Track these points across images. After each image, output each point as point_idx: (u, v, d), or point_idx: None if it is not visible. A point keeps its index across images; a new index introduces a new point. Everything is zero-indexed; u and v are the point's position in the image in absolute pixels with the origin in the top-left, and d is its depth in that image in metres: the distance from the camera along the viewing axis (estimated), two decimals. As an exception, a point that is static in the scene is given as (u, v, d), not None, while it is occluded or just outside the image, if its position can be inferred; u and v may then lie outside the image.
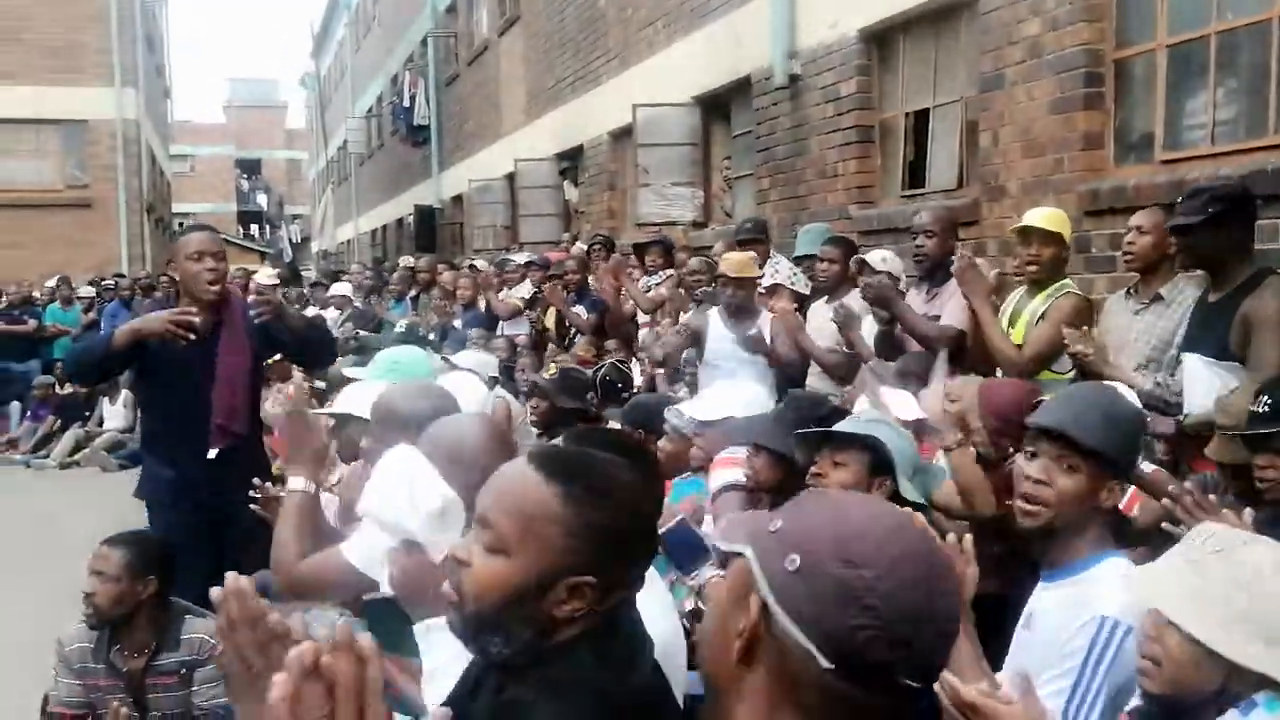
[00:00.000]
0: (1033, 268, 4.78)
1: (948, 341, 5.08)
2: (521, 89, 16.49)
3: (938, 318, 5.29)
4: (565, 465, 1.65)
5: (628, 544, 1.65)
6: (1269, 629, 2.01)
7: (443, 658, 1.97)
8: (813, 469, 3.32)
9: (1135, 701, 2.25)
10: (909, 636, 1.25)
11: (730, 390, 4.48)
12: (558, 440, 1.78)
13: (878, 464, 3.25)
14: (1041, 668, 2.37)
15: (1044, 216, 4.84)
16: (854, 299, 5.83)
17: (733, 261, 6.27)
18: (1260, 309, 3.86)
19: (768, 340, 6.04)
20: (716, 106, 10.83)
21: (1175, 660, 2.07)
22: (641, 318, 8.17)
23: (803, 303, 6.54)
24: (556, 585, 1.60)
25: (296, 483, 3.06)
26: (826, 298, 6.28)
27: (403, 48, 25.21)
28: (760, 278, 6.48)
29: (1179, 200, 4.22)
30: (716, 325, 6.22)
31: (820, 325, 6.09)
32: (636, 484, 1.66)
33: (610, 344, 7.80)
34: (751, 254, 6.57)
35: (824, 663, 1.26)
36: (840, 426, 3.38)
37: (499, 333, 9.02)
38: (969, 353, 5.00)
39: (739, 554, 1.37)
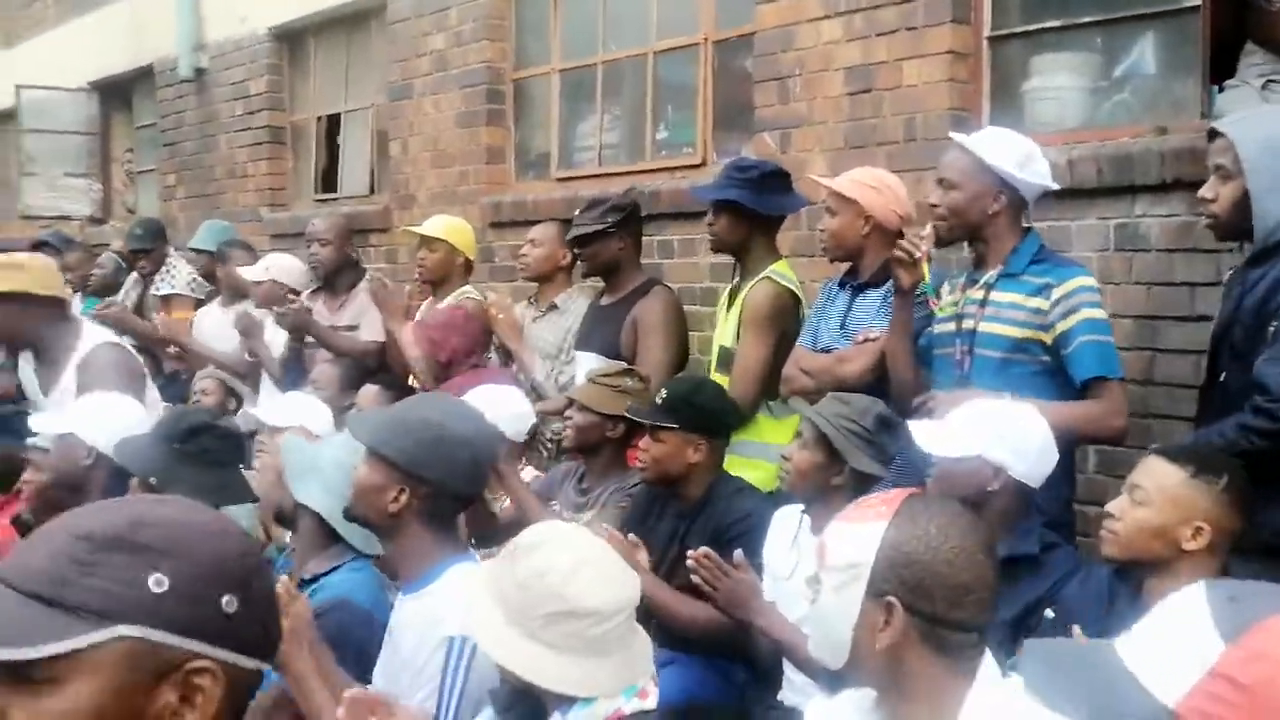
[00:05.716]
0: (419, 270, 5.05)
1: (370, 356, 5.11)
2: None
3: (353, 328, 5.28)
4: None
5: None
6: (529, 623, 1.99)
7: None
8: None
9: None
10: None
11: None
12: None
13: None
14: (413, 687, 2.44)
15: (432, 224, 5.09)
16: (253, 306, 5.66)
17: None
18: (647, 314, 4.32)
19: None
20: (117, 94, 10.13)
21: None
22: None
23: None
24: None
25: None
26: (221, 302, 6.07)
27: None
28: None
29: (578, 211, 4.56)
30: None
31: (217, 331, 5.78)
32: None
33: None
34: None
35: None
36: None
37: None
38: (390, 364, 5.05)
39: None
